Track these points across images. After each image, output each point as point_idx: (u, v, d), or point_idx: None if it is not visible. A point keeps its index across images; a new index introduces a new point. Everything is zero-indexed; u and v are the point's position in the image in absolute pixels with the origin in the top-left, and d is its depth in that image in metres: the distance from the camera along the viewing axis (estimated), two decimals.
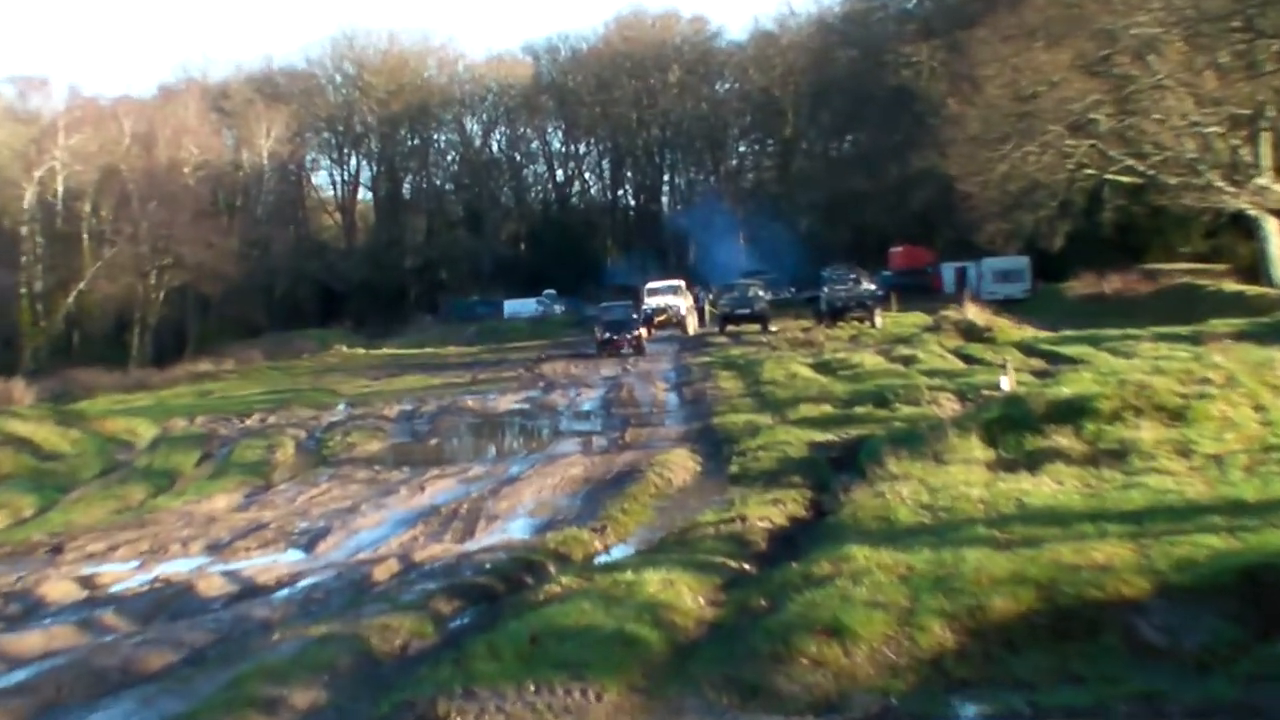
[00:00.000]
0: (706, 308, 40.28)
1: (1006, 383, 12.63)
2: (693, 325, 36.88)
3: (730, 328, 34.29)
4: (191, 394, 27.55)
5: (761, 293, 35.15)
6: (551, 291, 55.69)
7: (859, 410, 14.26)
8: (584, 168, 68.77)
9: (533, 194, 69.66)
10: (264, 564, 9.10)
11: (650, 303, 35.41)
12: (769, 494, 9.75)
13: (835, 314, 31.67)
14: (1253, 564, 5.11)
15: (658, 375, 24.23)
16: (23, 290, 44.57)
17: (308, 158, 63.79)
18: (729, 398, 17.92)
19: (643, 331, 29.18)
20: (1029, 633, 4.97)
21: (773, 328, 32.13)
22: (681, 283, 38.91)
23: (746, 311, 33.86)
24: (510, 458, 14.65)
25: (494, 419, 18.89)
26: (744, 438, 13.26)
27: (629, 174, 68.14)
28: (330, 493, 12.59)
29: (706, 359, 26.06)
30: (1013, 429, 9.41)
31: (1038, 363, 18.13)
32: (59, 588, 8.45)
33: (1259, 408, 8.61)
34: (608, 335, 28.98)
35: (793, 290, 47.49)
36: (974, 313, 26.48)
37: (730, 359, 25.03)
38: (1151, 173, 28.34)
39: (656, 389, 21.38)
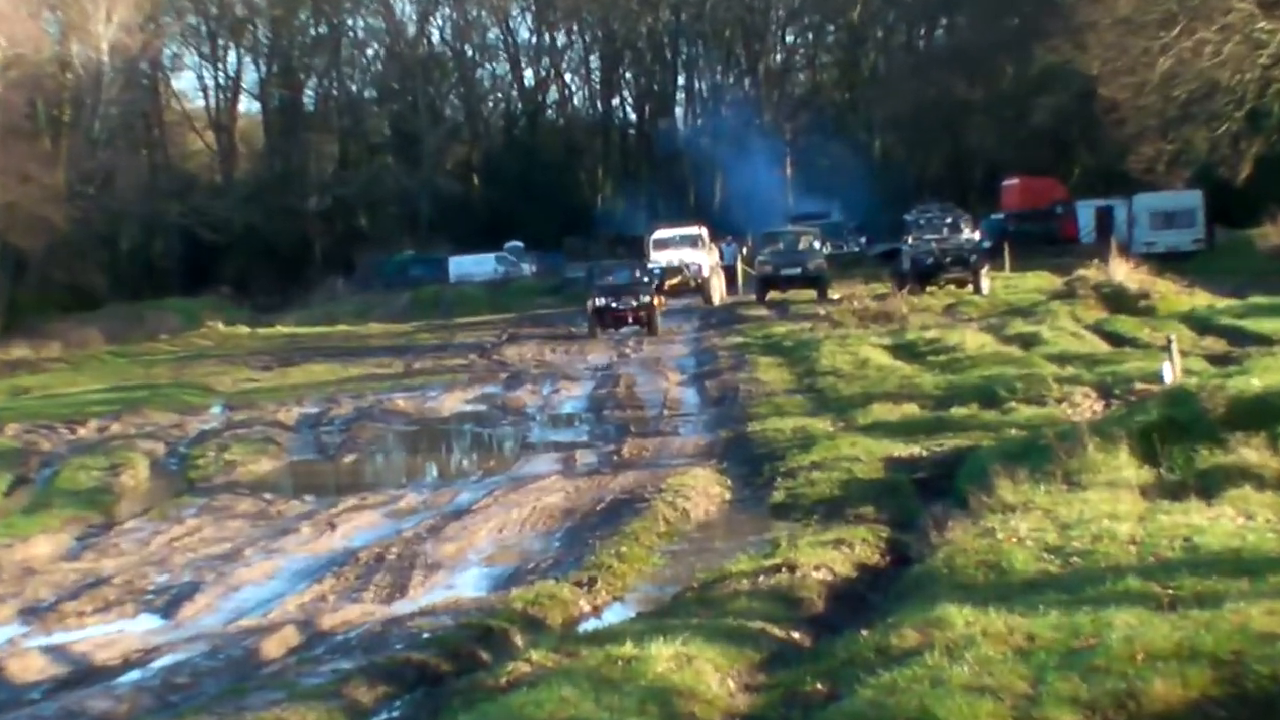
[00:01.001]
0: (739, 266, 40.68)
1: (1170, 372, 12.66)
2: (718, 291, 37.34)
3: (773, 295, 34.61)
4: None
5: (817, 245, 35.41)
6: (517, 244, 55.91)
7: (957, 412, 14.38)
8: (564, 67, 69.00)
9: (490, 105, 70.08)
10: (104, 635, 9.15)
11: (658, 259, 35.69)
12: (828, 532, 9.84)
13: (923, 274, 31.88)
14: None
15: (669, 362, 24.47)
16: None
17: (166, 52, 63.52)
18: (771, 395, 18.09)
19: (655, 300, 29.82)
20: None
21: (833, 295, 32.29)
22: (702, 231, 39.22)
23: (796, 272, 34.20)
24: (459, 481, 14.80)
25: (436, 426, 19.05)
26: (793, 452, 13.40)
27: (627, 76, 68.35)
28: (201, 532, 12.66)
29: (739, 339, 26.31)
30: (1180, 438, 9.52)
31: (1215, 343, 18.27)
32: None
33: None
34: (606, 304, 29.62)
35: (862, 241, 47.84)
36: (1123, 272, 26.48)
37: (773, 339, 25.28)
38: None
39: (668, 382, 21.58)
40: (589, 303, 30.09)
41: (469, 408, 20.47)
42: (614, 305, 29.51)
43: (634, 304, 29.39)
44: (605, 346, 27.81)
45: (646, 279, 30.47)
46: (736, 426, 16.03)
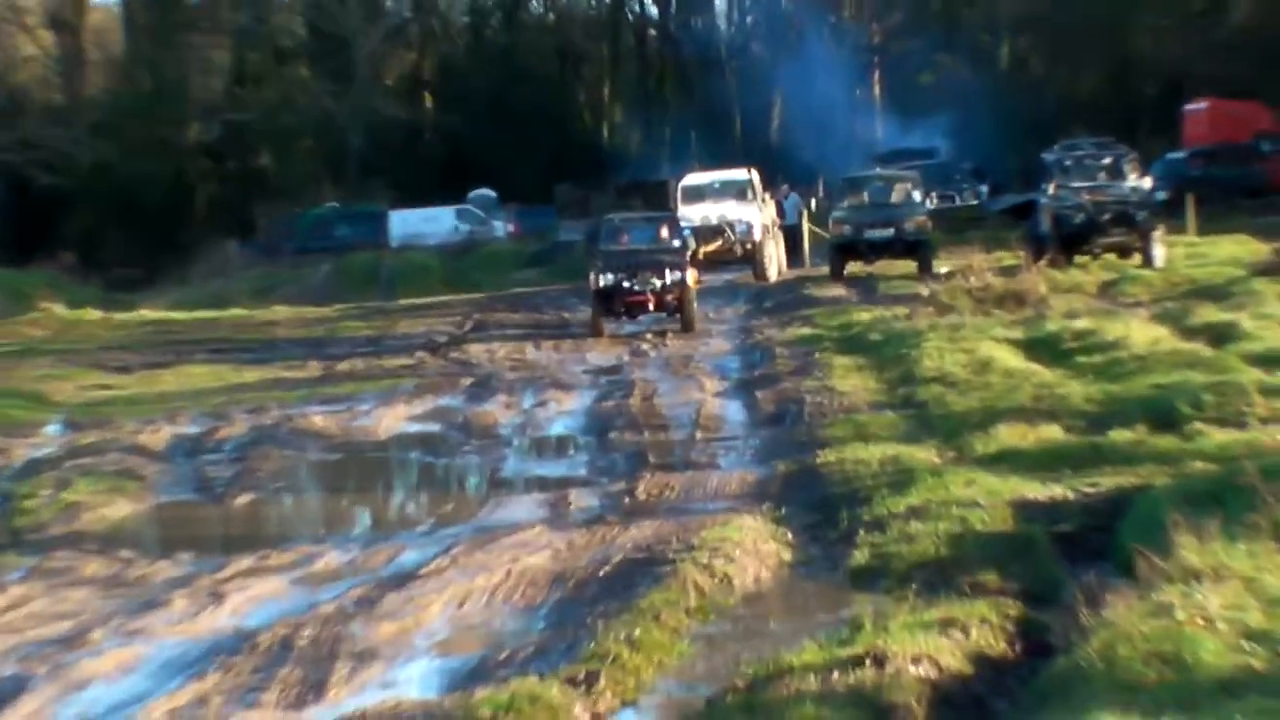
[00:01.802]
0: (804, 227, 41.21)
1: None
2: (775, 262, 37.95)
3: (853, 268, 35.00)
4: None
5: (917, 196, 35.77)
6: (487, 193, 56.09)
7: (1119, 437, 14.38)
8: None
9: None
10: None
11: (690, 217, 35.86)
12: (933, 609, 9.81)
13: (1070, 239, 32.13)
14: None
15: (704, 363, 24.61)
16: None
17: None
18: (851, 410, 18.21)
19: (690, 276, 29.35)
20: None
21: (941, 267, 32.57)
22: (753, 176, 39.51)
23: (887, 235, 34.57)
24: (402, 533, 14.79)
25: (369, 455, 19.09)
26: (881, 493, 13.43)
27: None
28: (28, 606, 12.52)
29: (804, 331, 26.43)
30: None
31: None
32: None
33: None
34: (616, 282, 28.98)
35: (983, 191, 48.32)
36: None
37: (853, 331, 25.35)
38: None
39: (702, 391, 21.71)
40: (590, 280, 29.63)
41: (416, 428, 20.49)
42: (627, 285, 28.97)
43: (657, 283, 28.84)
44: (612, 340, 27.95)
45: (677, 244, 30.24)
46: (800, 456, 15.99)
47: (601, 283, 29.20)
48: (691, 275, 29.55)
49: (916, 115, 55.77)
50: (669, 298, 29.01)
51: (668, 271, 28.91)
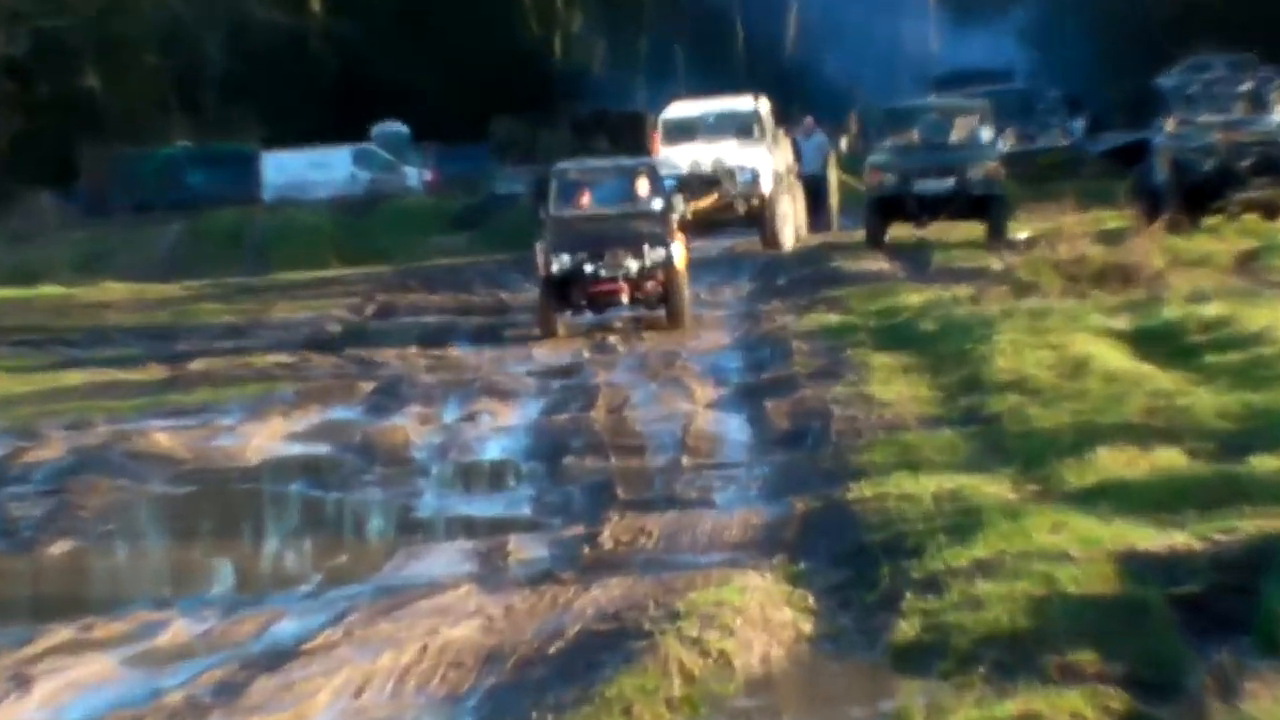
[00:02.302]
0: (832, 176, 41.67)
1: None
2: (790, 223, 38.42)
3: (897, 232, 35.60)
4: None
5: (986, 135, 36.23)
6: (395, 127, 56.12)
7: (1262, 465, 14.40)
8: None
9: None
10: None
11: (675, 161, 36.28)
12: (1007, 700, 9.84)
13: (1197, 193, 32.42)
14: None
15: (693, 363, 24.95)
16: None
17: None
18: (895, 427, 18.34)
19: (680, 253, 28.85)
20: None
21: (1019, 232, 32.94)
22: (759, 105, 39.87)
23: (944, 187, 34.79)
24: (278, 594, 14.82)
25: (232, 486, 19.06)
26: (936, 541, 13.35)
27: None
28: None
29: (831, 317, 26.83)
30: None
31: None
32: None
33: None
34: (575, 264, 28.46)
35: (1076, 128, 48.99)
36: None
37: (898, 317, 25.72)
38: None
39: (692, 400, 21.97)
40: (538, 261, 29.05)
41: (299, 450, 20.55)
42: (591, 270, 28.44)
43: (633, 265, 28.35)
44: (569, 332, 28.16)
45: (659, 205, 29.71)
46: (825, 490, 15.98)
47: (554, 267, 28.52)
48: (681, 251, 28.91)
49: (985, 24, 55.90)
50: (649, 285, 28.62)
51: (647, 248, 28.37)
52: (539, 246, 29.20)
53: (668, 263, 28.46)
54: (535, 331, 29.23)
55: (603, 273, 28.51)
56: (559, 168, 31.98)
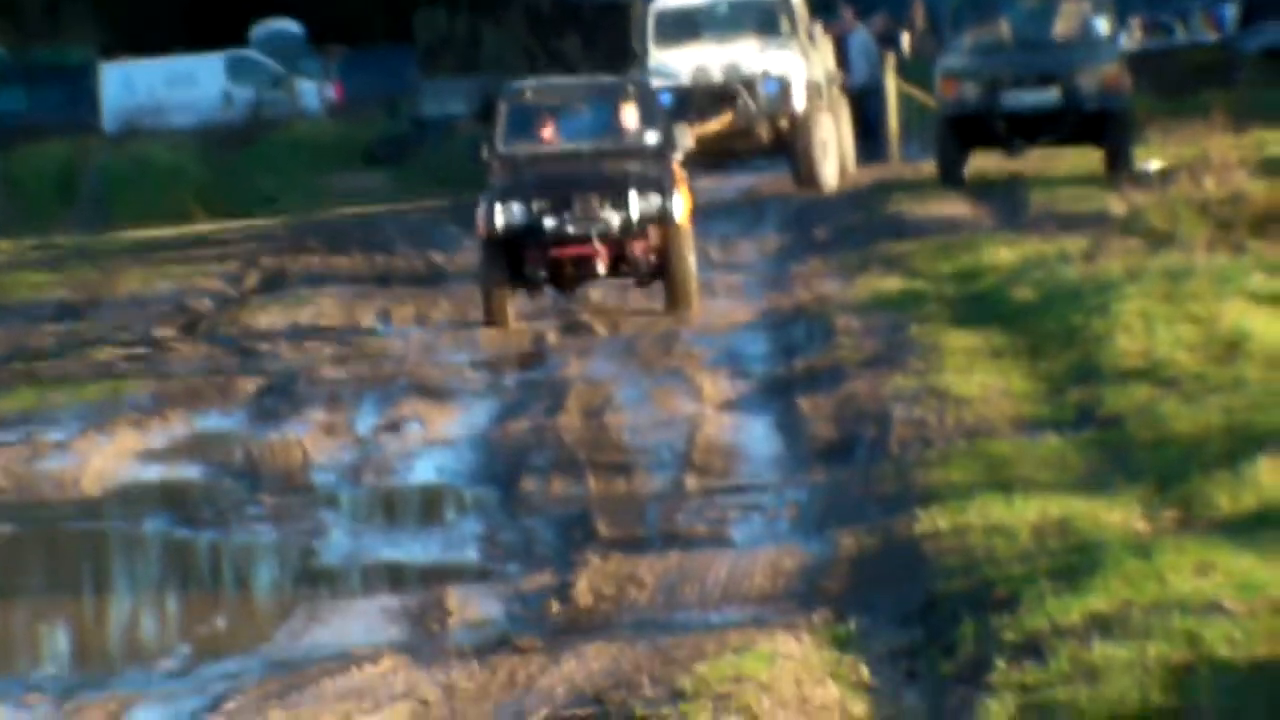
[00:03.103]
0: (890, 88, 39.52)
1: None
2: (832, 150, 36.29)
3: (981, 160, 34.20)
4: None
5: (1102, 27, 34.40)
6: (285, 28, 56.79)
7: None
8: None
9: None
10: None
11: (672, 68, 34.82)
12: None
13: None
14: None
15: (701, 346, 23.37)
16: None
17: None
18: (976, 431, 17.28)
19: (682, 203, 25.54)
20: None
21: (1148, 161, 31.00)
22: None
23: (1045, 100, 33.17)
24: (132, 671, 13.54)
25: (64, 525, 18.02)
26: (1038, 589, 12.06)
27: None
28: None
29: (889, 282, 25.70)
30: None
31: None
32: None
33: None
34: (537, 218, 25.15)
35: (1225, 18, 49.15)
36: None
37: (983, 282, 24.76)
38: None
39: (699, 399, 20.50)
40: (480, 216, 25.59)
41: (157, 473, 19.20)
42: (554, 224, 24.93)
43: (615, 219, 24.86)
44: (525, 306, 25.57)
45: (653, 138, 26.36)
46: (883, 520, 14.71)
47: (499, 221, 24.62)
48: (683, 202, 25.46)
49: None
50: (638, 248, 24.90)
51: (634, 195, 24.61)
52: (482, 201, 25.70)
53: (664, 216, 24.71)
54: (481, 300, 25.54)
55: (569, 229, 24.67)
56: (513, 88, 28.77)
